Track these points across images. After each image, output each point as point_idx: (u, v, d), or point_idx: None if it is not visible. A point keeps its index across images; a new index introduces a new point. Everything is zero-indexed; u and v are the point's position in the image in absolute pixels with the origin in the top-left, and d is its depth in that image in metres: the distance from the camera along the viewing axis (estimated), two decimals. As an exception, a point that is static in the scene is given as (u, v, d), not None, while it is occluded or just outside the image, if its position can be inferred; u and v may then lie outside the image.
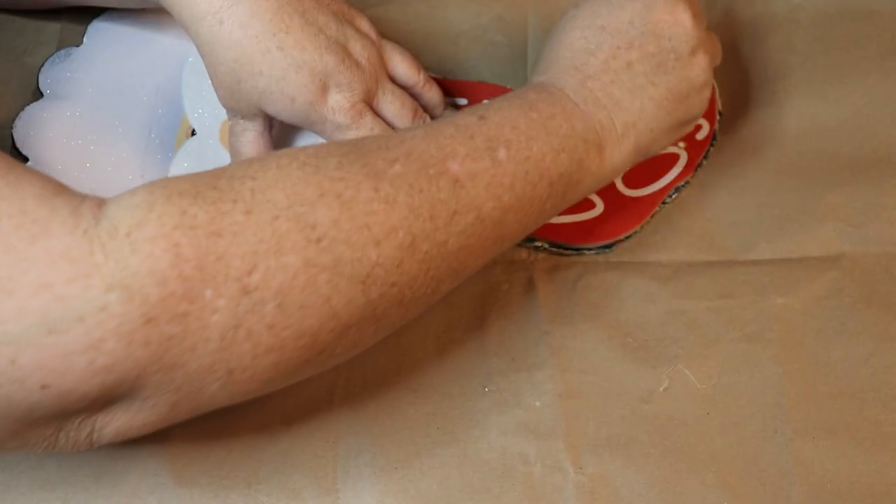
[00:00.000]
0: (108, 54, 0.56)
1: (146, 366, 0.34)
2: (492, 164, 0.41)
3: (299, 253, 0.36)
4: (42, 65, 0.55)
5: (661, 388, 0.50)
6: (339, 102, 0.48)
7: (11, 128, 0.53)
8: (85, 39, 0.56)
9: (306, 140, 0.53)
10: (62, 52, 0.55)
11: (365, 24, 0.52)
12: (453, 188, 0.40)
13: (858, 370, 0.50)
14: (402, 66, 0.52)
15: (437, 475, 0.47)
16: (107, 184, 0.52)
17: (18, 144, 0.52)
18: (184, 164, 0.53)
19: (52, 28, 0.57)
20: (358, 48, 0.49)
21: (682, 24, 0.47)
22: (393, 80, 0.52)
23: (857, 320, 0.51)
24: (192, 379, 0.36)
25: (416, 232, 0.39)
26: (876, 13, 0.60)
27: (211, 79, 0.49)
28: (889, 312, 0.52)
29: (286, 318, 0.36)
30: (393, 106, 0.51)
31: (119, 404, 0.36)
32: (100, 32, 0.56)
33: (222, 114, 0.55)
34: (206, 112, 0.55)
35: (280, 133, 0.53)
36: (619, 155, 0.46)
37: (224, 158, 0.54)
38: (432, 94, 0.54)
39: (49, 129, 0.53)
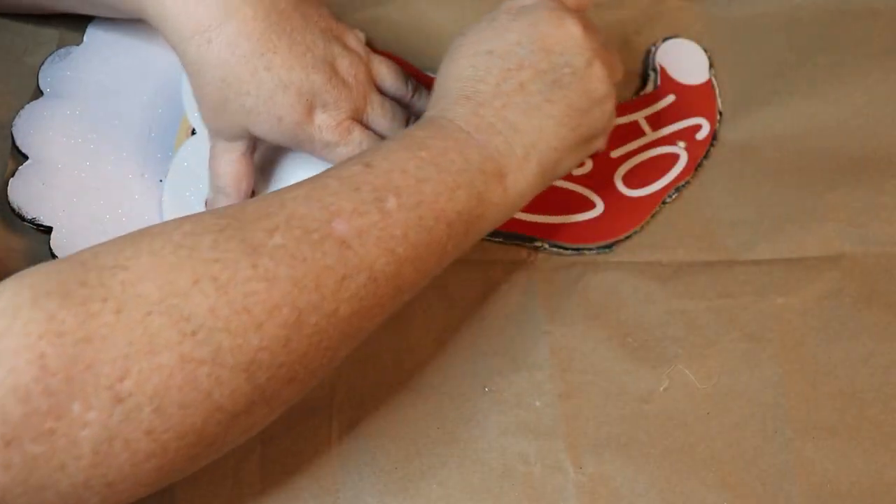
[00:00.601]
0: (108, 53, 0.56)
1: (8, 489, 0.32)
2: (381, 216, 0.39)
3: (174, 350, 0.34)
4: (42, 63, 0.55)
5: (662, 388, 0.50)
6: (325, 121, 0.48)
7: (11, 126, 0.53)
8: (85, 38, 0.56)
9: (292, 160, 0.53)
10: (62, 50, 0.55)
11: (353, 40, 0.51)
12: (340, 251, 0.38)
13: (859, 370, 0.50)
14: (389, 79, 0.52)
15: (437, 475, 0.47)
16: (107, 182, 0.52)
17: (18, 143, 0.52)
18: (184, 163, 0.53)
19: (52, 28, 0.57)
20: (345, 65, 0.49)
21: (572, 37, 0.46)
22: (383, 93, 0.52)
23: (857, 320, 0.51)
24: (66, 497, 0.33)
25: (302, 306, 0.37)
26: (877, 12, 0.60)
27: (196, 98, 0.48)
28: (889, 312, 0.52)
29: (165, 420, 0.34)
30: (384, 120, 0.50)
31: None
32: (99, 31, 0.56)
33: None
34: (206, 112, 0.55)
35: (266, 154, 0.52)
36: (523, 180, 0.44)
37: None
38: (423, 103, 0.53)
39: (49, 128, 0.53)
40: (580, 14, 0.47)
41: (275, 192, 0.40)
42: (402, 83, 0.53)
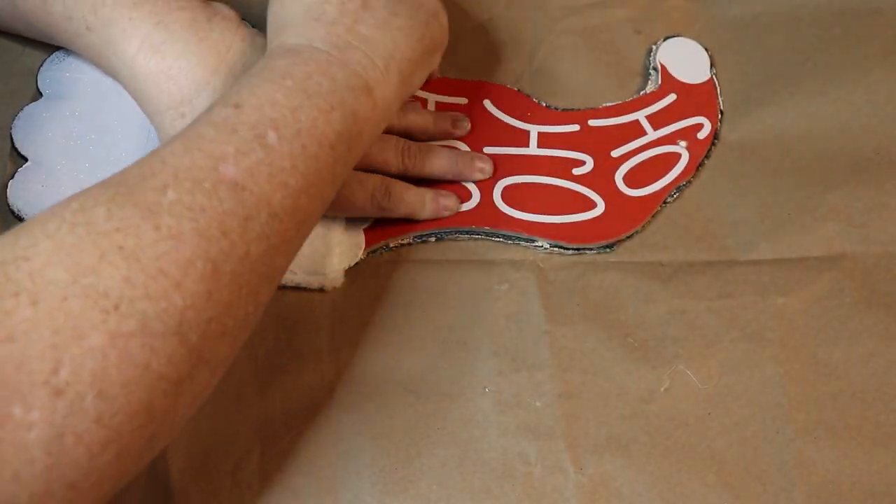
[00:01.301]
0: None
1: None
2: (265, 152, 0.39)
3: (100, 329, 0.33)
4: (41, 65, 0.55)
5: (662, 389, 0.50)
6: None
7: (11, 128, 0.53)
8: (85, 39, 0.56)
9: None
10: (61, 52, 0.55)
11: None
12: (235, 194, 0.37)
13: (860, 370, 0.50)
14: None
15: (437, 475, 0.47)
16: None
17: (18, 144, 0.52)
18: (183, 163, 0.53)
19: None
20: None
21: None
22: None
23: (858, 320, 0.51)
24: None
25: (214, 256, 0.36)
26: (878, 11, 0.59)
27: None
28: (890, 312, 0.51)
29: (111, 404, 0.33)
30: (370, 155, 0.51)
31: None
32: None
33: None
34: (206, 112, 0.55)
35: None
36: (389, 91, 0.45)
37: None
38: (419, 121, 0.55)
39: (48, 129, 0.53)
40: None
41: (150, 153, 0.39)
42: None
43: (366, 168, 0.51)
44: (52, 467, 0.32)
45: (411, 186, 0.53)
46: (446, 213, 0.53)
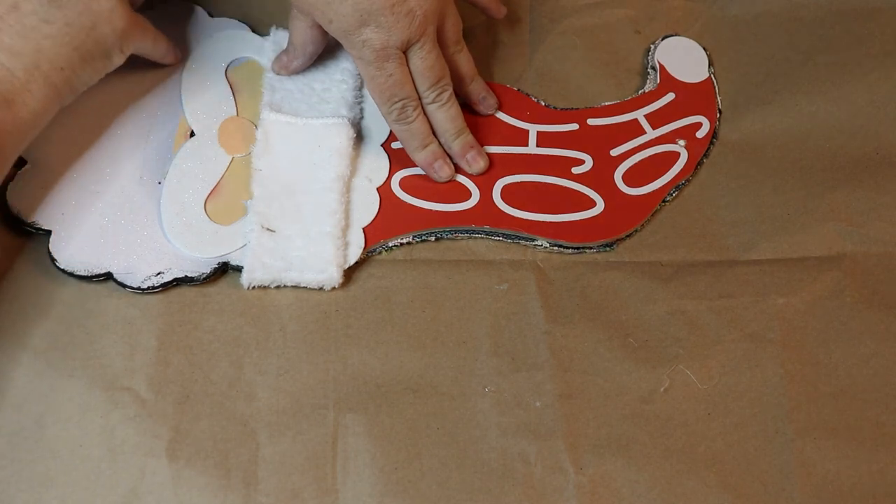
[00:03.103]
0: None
1: None
2: None
3: None
4: None
5: (662, 389, 0.50)
6: (371, 40, 0.50)
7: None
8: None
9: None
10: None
11: None
12: None
13: (860, 370, 0.50)
14: (447, 25, 0.53)
15: (437, 476, 0.47)
16: (105, 185, 0.52)
17: None
18: (182, 165, 0.53)
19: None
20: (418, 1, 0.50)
21: None
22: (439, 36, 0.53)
23: (858, 320, 0.51)
24: None
25: None
26: (878, 11, 0.60)
27: None
28: (891, 313, 0.51)
29: None
30: (423, 63, 0.51)
31: None
32: None
33: (220, 115, 0.55)
34: (205, 113, 0.55)
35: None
36: (33, 101, 0.46)
37: (222, 159, 0.54)
38: (465, 66, 0.55)
39: (48, 133, 0.53)
40: None
41: None
42: (454, 36, 0.54)
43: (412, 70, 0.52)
44: None
45: (428, 123, 0.53)
46: (435, 175, 0.54)
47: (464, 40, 0.54)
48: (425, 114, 0.53)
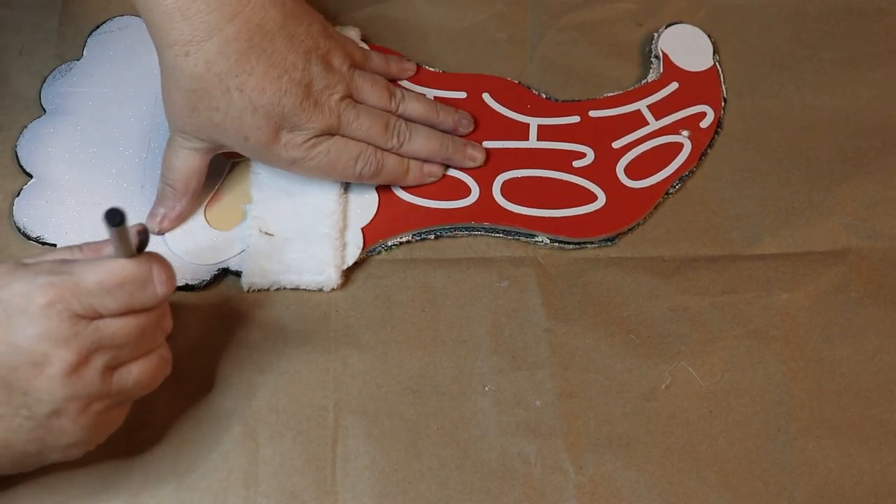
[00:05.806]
0: (108, 67, 0.56)
1: None
2: None
3: None
4: (43, 81, 0.55)
5: (664, 386, 0.49)
6: (291, 140, 0.49)
7: (16, 146, 0.53)
8: (84, 52, 0.56)
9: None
10: (63, 66, 0.56)
11: (337, 58, 0.51)
12: None
13: (864, 368, 0.50)
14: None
15: (437, 476, 0.47)
16: (107, 196, 0.52)
17: (22, 162, 0.53)
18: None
19: (51, 25, 0.57)
20: (320, 87, 0.49)
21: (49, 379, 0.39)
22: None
23: (863, 316, 0.51)
24: None
25: None
26: (883, 11, 0.59)
27: (164, 100, 0.48)
28: (896, 308, 0.51)
29: None
30: (362, 127, 0.51)
31: None
32: (99, 45, 0.56)
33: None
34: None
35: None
36: None
37: (221, 165, 0.53)
38: (381, 68, 0.54)
39: (52, 145, 0.54)
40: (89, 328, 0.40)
41: None
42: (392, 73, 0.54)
43: (354, 138, 0.51)
44: None
45: (394, 155, 0.52)
46: (430, 180, 0.53)
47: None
48: (386, 149, 0.52)
